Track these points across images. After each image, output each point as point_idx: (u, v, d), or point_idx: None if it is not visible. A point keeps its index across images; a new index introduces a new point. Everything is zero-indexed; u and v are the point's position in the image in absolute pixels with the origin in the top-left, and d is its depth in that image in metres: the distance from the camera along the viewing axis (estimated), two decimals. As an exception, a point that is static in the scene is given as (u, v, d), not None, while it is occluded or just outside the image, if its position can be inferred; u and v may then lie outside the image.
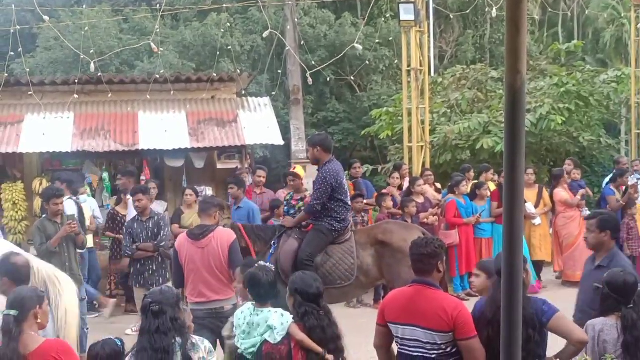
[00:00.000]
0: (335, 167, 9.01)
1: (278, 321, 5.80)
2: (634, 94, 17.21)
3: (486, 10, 17.92)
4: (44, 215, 10.52)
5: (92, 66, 9.46)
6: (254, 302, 6.05)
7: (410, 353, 5.31)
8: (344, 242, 9.05)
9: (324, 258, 8.90)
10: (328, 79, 20.11)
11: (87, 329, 9.92)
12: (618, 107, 19.40)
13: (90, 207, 13.04)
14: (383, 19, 23.63)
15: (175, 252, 7.72)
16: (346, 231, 9.12)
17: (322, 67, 11.43)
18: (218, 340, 7.04)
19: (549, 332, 5.33)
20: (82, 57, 12.56)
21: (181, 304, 5.18)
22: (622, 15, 26.27)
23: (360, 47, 11.76)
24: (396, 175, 14.23)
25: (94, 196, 14.19)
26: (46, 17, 10.26)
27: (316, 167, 9.36)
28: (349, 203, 9.37)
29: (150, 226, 10.50)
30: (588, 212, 14.12)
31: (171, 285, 7.58)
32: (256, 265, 6.34)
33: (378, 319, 5.60)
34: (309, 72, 9.25)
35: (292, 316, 5.83)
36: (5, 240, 9.16)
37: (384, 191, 13.69)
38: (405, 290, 5.54)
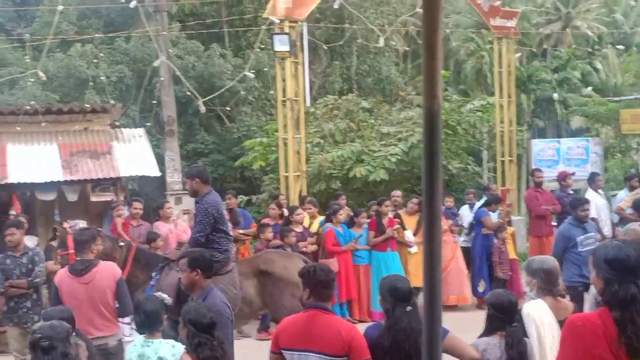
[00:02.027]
0: (215, 198, 8.94)
1: (169, 352, 5.72)
2: (498, 122, 17.92)
3: (358, 40, 18.35)
4: None
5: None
6: (145, 334, 5.94)
7: (306, 379, 5.31)
8: (227, 273, 8.94)
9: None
10: (201, 110, 20.00)
11: None
12: (482, 135, 20.16)
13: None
14: (253, 50, 23.78)
15: (55, 288, 7.45)
16: (228, 262, 9.03)
17: (207, 98, 11.34)
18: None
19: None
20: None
21: (72, 339, 5.02)
22: (482, 47, 27.46)
23: (252, 75, 11.76)
24: (273, 205, 14.26)
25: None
26: None
27: (194, 199, 9.30)
28: (230, 233, 9.33)
29: (25, 262, 10.09)
30: (461, 238, 14.66)
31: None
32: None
33: (272, 347, 5.55)
34: (200, 101, 9.17)
35: (184, 347, 5.75)
36: None
37: (263, 221, 13.68)
38: (300, 316, 5.55)
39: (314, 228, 13.61)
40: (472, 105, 18.73)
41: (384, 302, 5.51)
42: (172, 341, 5.86)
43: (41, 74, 9.50)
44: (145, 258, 9.15)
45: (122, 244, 8.91)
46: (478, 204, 15.03)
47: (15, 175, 13.62)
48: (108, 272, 7.48)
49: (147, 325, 5.95)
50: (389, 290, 5.39)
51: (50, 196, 13.94)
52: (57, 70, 24.67)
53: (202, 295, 6.32)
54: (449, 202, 14.95)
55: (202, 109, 9.60)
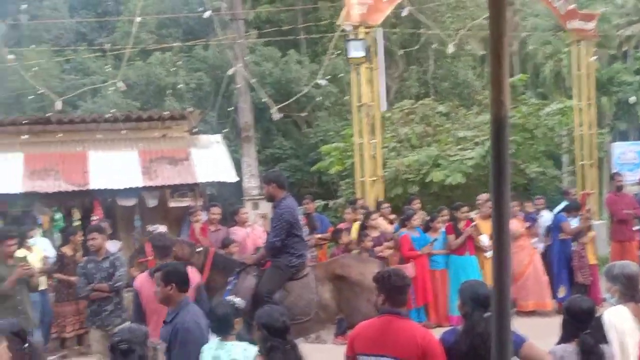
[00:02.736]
0: (291, 203, 9.03)
1: (242, 354, 5.81)
2: (577, 125, 17.61)
3: (433, 46, 18.29)
4: None
5: (58, 104, 9.36)
6: (219, 337, 6.04)
7: (381, 384, 5.30)
8: (302, 278, 9.01)
9: (282, 294, 8.86)
10: (279, 116, 20.18)
11: None
12: (561, 139, 19.83)
13: (42, 248, 12.83)
14: (329, 56, 23.88)
15: (136, 292, 7.61)
16: (304, 266, 9.10)
17: (283, 104, 11.47)
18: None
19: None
20: (30, 97, 12.44)
21: (149, 342, 5.12)
22: (562, 50, 26.99)
23: (324, 82, 11.85)
24: (348, 210, 14.29)
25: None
26: (11, 56, 10.13)
27: (271, 204, 9.38)
28: (306, 239, 9.40)
29: (106, 266, 10.31)
30: (539, 242, 14.40)
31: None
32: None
33: (347, 351, 5.56)
34: (274, 108, 9.29)
35: (256, 349, 5.82)
36: None
37: (339, 226, 13.72)
38: (375, 321, 5.55)
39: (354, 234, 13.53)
40: (550, 109, 18.45)
41: (462, 307, 5.45)
42: (244, 344, 5.96)
43: (121, 83, 9.73)
44: (223, 263, 9.24)
45: (199, 249, 9.01)
46: (557, 208, 14.79)
47: (97, 181, 13.95)
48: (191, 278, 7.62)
49: (219, 328, 6.06)
50: (470, 295, 5.33)
51: (131, 202, 14.22)
52: (138, 78, 25.23)
53: (176, 309, 6.25)
54: (528, 206, 14.67)
55: (276, 116, 9.67)
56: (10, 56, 9.96)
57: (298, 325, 8.83)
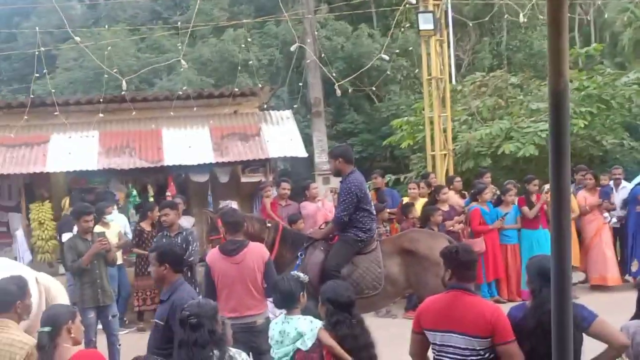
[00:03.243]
0: (359, 177, 9.00)
1: (307, 327, 5.87)
2: (656, 95, 17.12)
3: (505, 16, 17.90)
4: (73, 234, 10.56)
5: (124, 84, 9.48)
6: (285, 312, 6.14)
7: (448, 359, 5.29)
8: (371, 252, 8.99)
9: (350, 268, 8.85)
10: (348, 91, 20.17)
11: (119, 345, 9.97)
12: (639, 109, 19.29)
13: (119, 223, 13.14)
14: (400, 30, 23.69)
15: (207, 267, 7.68)
16: (372, 241, 9.06)
17: (348, 79, 11.41)
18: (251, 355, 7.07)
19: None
20: (104, 75, 12.66)
21: (219, 317, 5.19)
22: (640, 17, 26.16)
23: (386, 57, 11.73)
24: (421, 184, 14.22)
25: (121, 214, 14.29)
26: (77, 38, 10.32)
27: (338, 179, 9.37)
28: (374, 212, 9.35)
29: (179, 241, 10.48)
30: (609, 217, 14.07)
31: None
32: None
33: (414, 327, 5.55)
34: (337, 85, 9.21)
35: (321, 323, 5.87)
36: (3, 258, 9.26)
37: (409, 201, 13.68)
38: (442, 297, 5.52)
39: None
40: (628, 79, 17.95)
41: (530, 283, 5.39)
42: (310, 317, 6.01)
43: (183, 62, 9.79)
44: (292, 238, 9.27)
45: (269, 225, 9.06)
46: (635, 180, 14.43)
47: (170, 158, 14.18)
48: (258, 252, 7.66)
49: (285, 302, 6.15)
50: (536, 270, 5.24)
51: (203, 178, 14.41)
52: (211, 55, 25.51)
53: (171, 289, 6.29)
54: (604, 179, 14.34)
55: (338, 92, 9.62)
56: (77, 38, 10.10)
57: (366, 299, 8.84)
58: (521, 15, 10.86)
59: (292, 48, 9.81)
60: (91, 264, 9.77)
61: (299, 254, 8.88)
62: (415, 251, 8.87)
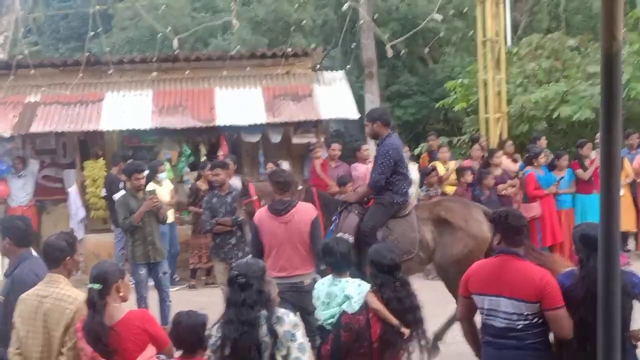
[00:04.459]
0: (396, 141, 8.85)
1: (355, 290, 5.86)
2: None
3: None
4: (124, 191, 10.70)
5: (175, 43, 9.54)
6: (333, 273, 6.12)
7: (496, 324, 5.25)
8: (406, 216, 8.83)
9: (385, 232, 8.71)
10: (401, 52, 19.98)
11: (170, 301, 10.14)
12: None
13: (169, 184, 13.28)
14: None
15: (255, 227, 7.70)
16: (407, 205, 8.93)
17: (400, 40, 11.31)
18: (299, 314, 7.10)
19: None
20: (159, 34, 12.70)
21: (266, 276, 5.20)
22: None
23: (439, 17, 11.59)
24: (477, 147, 14.08)
25: (173, 172, 14.46)
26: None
27: (375, 142, 9.26)
28: (410, 176, 9.23)
29: (229, 201, 10.54)
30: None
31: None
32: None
33: (461, 291, 5.55)
34: (388, 45, 9.12)
35: (369, 285, 5.87)
36: None
37: (463, 164, 13.56)
38: (490, 261, 5.49)
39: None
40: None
41: (577, 251, 5.33)
42: (358, 280, 6.01)
43: (235, 21, 9.79)
44: (325, 202, 9.18)
45: (300, 187, 8.92)
46: None
47: (223, 118, 14.23)
48: (305, 212, 7.67)
49: (339, 265, 6.12)
50: (581, 239, 5.17)
51: (255, 138, 14.44)
52: (266, 14, 25.40)
53: (16, 263, 6.16)
54: None
55: (390, 53, 9.51)
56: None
57: (402, 263, 8.78)
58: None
59: (344, 7, 9.70)
60: (142, 221, 9.93)
61: (333, 218, 8.82)
62: (450, 221, 8.73)
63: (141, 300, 9.78)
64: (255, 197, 8.66)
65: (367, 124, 8.97)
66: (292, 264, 7.52)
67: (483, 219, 8.53)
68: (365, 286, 5.89)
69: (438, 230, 8.67)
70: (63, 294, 5.33)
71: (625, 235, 13.69)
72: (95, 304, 5.00)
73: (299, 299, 7.23)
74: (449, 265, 8.37)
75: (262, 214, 7.71)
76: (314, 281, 7.12)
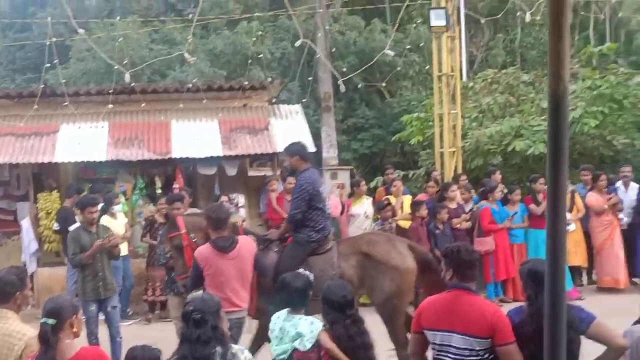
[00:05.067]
0: (312, 175, 8.86)
1: (307, 329, 5.84)
2: (670, 95, 16.97)
3: (517, 14, 17.85)
4: (79, 225, 10.54)
5: (127, 76, 9.48)
6: (289, 309, 6.09)
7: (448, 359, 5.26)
8: (325, 252, 8.79)
9: (305, 270, 8.74)
10: (358, 86, 20.11)
11: (121, 338, 9.90)
12: (653, 109, 19.11)
13: (125, 215, 13.17)
14: (413, 25, 23.63)
15: (196, 264, 7.64)
16: (326, 241, 8.87)
17: (355, 73, 11.41)
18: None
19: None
20: (115, 67, 12.65)
21: (221, 312, 5.16)
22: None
23: (391, 53, 11.67)
24: (431, 183, 14.16)
25: (127, 205, 14.34)
26: (81, 30, 10.32)
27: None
28: (328, 211, 9.17)
29: (185, 234, 10.42)
30: (624, 218, 14.00)
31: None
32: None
33: (413, 326, 5.53)
34: (341, 80, 9.15)
35: (322, 324, 5.84)
36: None
37: (417, 198, 13.64)
38: (443, 296, 5.49)
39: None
40: (641, 78, 17.83)
41: (525, 288, 5.35)
42: (312, 318, 5.98)
43: (187, 55, 9.77)
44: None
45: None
46: None
47: (179, 150, 14.22)
48: (248, 246, 7.79)
49: (293, 301, 6.09)
50: (529, 275, 5.19)
51: (211, 170, 14.44)
52: (225, 47, 25.47)
53: None
54: (602, 180, 14.15)
55: (342, 87, 9.55)
56: (81, 30, 10.11)
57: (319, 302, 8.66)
58: (528, 14, 10.84)
59: (297, 44, 9.74)
60: (94, 257, 9.73)
61: None
62: (373, 255, 8.66)
63: (92, 336, 9.60)
64: (183, 231, 8.58)
65: (287, 158, 9.00)
66: (240, 298, 7.56)
67: (407, 252, 8.56)
68: (318, 324, 5.86)
69: (361, 265, 8.58)
70: (12, 330, 5.24)
71: (577, 270, 13.84)
72: (49, 339, 4.87)
73: (238, 333, 7.30)
74: (382, 302, 8.34)
75: (206, 251, 7.64)
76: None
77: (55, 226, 13.54)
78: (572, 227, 13.41)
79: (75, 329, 5.04)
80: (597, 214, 13.50)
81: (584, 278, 14.33)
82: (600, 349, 5.17)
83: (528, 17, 11.54)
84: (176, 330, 8.36)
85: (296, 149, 8.99)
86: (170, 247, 9.07)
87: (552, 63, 2.73)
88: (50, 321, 4.88)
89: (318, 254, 8.72)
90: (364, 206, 13.59)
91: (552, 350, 2.99)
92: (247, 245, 7.76)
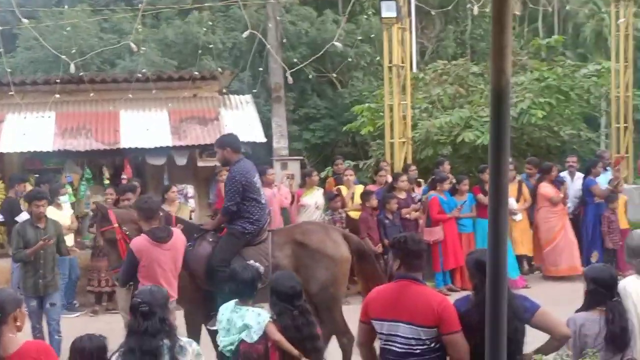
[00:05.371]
0: (245, 165, 8.78)
1: (254, 320, 5.82)
2: (614, 87, 17.22)
3: (467, 6, 17.99)
4: (27, 219, 10.28)
5: (72, 66, 9.32)
6: (237, 300, 6.07)
7: (395, 349, 5.25)
8: (260, 244, 8.77)
9: (239, 260, 8.47)
10: (310, 76, 20.10)
11: (60, 335, 9.57)
12: (598, 100, 19.44)
13: (69, 207, 13.01)
14: (364, 16, 23.67)
15: (133, 255, 7.58)
16: (262, 231, 8.84)
17: (303, 65, 11.37)
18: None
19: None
20: (63, 57, 12.46)
21: (169, 304, 5.13)
22: (602, 10, 26.42)
23: (340, 45, 11.64)
24: (382, 172, 14.20)
25: (75, 195, 14.17)
26: (25, 20, 10.10)
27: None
28: (263, 202, 9.07)
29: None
30: (570, 207, 14.23)
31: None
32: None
33: (361, 316, 5.55)
34: (288, 72, 9.09)
35: (269, 316, 5.83)
36: None
37: (367, 188, 13.67)
38: (389, 286, 5.52)
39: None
40: (587, 70, 18.13)
41: (472, 277, 5.41)
42: (258, 309, 5.96)
43: (133, 45, 9.63)
44: (184, 227, 8.98)
45: (161, 214, 8.61)
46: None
47: (128, 140, 14.10)
48: (181, 237, 7.87)
49: (241, 292, 6.08)
50: (475, 266, 5.24)
51: (160, 161, 14.33)
52: (175, 37, 25.28)
53: None
54: (554, 170, 14.38)
55: (290, 79, 9.51)
56: (25, 20, 9.91)
57: None
58: (475, 7, 10.90)
59: (245, 34, 9.63)
60: (38, 254, 9.53)
61: (188, 244, 8.52)
62: (307, 244, 8.67)
63: (35, 330, 9.45)
64: (115, 224, 8.52)
65: (217, 150, 8.90)
66: (173, 288, 7.56)
67: (341, 241, 8.61)
68: (265, 316, 5.84)
69: (296, 255, 8.58)
70: None
71: (522, 259, 14.02)
72: (-9, 334, 4.81)
73: None
74: (318, 291, 8.33)
75: (142, 242, 7.60)
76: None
77: (0, 218, 13.30)
78: (519, 217, 13.59)
79: (18, 323, 4.97)
80: (553, 204, 13.66)
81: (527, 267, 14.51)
82: (544, 337, 5.27)
83: (476, 10, 11.61)
84: (124, 323, 8.29)
85: (227, 141, 8.91)
86: (103, 241, 9.00)
87: (494, 57, 2.74)
88: (-7, 315, 4.81)
89: (252, 245, 8.70)
90: (314, 197, 13.57)
91: (494, 338, 3.02)
92: (180, 237, 7.82)
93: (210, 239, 8.74)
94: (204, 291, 8.28)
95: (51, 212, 10.77)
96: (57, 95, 13.92)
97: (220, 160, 9.12)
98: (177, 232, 7.83)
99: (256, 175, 8.95)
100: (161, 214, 8.74)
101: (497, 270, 2.94)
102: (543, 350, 5.26)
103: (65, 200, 12.77)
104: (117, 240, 8.50)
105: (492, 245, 2.93)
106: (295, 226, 9.71)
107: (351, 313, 8.39)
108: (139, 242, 7.59)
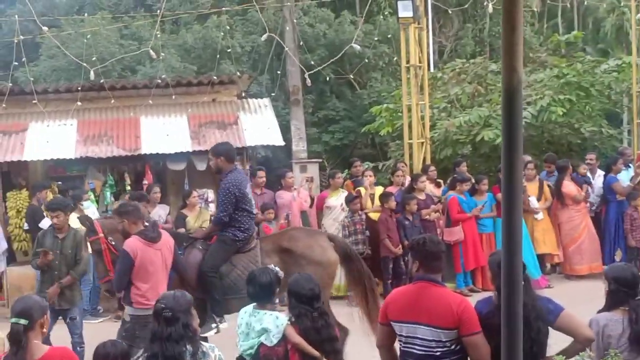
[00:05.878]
0: (238, 176, 8.91)
1: (273, 324, 5.84)
2: (635, 82, 16.99)
3: (484, 3, 17.89)
4: (50, 226, 10.23)
5: (92, 74, 9.44)
6: (255, 304, 6.11)
7: (415, 351, 5.27)
8: (249, 251, 8.92)
9: (228, 268, 8.76)
10: (328, 78, 20.09)
11: (82, 347, 9.36)
12: (619, 96, 19.24)
13: (94, 213, 13.08)
14: (381, 16, 23.63)
15: (128, 256, 7.63)
16: (251, 240, 9.00)
17: (322, 67, 11.42)
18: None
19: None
20: (84, 64, 12.57)
21: (192, 310, 5.15)
22: (622, 4, 26.15)
23: (358, 47, 11.71)
24: (399, 173, 14.18)
25: (97, 202, 14.27)
26: (45, 28, 10.25)
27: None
28: (254, 212, 9.19)
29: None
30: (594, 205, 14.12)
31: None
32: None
33: (380, 318, 5.58)
34: (307, 74, 9.17)
35: (287, 318, 5.86)
36: None
37: (386, 190, 13.66)
38: (409, 288, 5.53)
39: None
40: (607, 66, 17.96)
41: (494, 279, 5.39)
42: (277, 313, 5.98)
43: (152, 52, 9.73)
44: (172, 235, 8.94)
45: (146, 223, 8.58)
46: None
47: (148, 146, 14.19)
48: (170, 240, 7.98)
49: (259, 296, 6.10)
50: (498, 267, 5.24)
51: (180, 166, 14.41)
52: (195, 42, 25.37)
53: None
54: (583, 169, 14.34)
55: (308, 82, 9.57)
56: (45, 28, 10.02)
57: (243, 299, 8.64)
58: (490, 5, 10.87)
59: (263, 38, 9.72)
60: (52, 264, 9.41)
61: (178, 252, 8.64)
62: (293, 250, 8.76)
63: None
64: (101, 235, 8.58)
65: (211, 157, 9.02)
66: (163, 289, 7.53)
67: (328, 245, 8.73)
68: (283, 319, 5.87)
69: (283, 261, 8.59)
70: None
71: (544, 258, 13.94)
72: (21, 340, 4.83)
73: None
74: None
75: (135, 243, 7.68)
76: None
77: (26, 226, 13.44)
78: (540, 216, 13.52)
79: (44, 329, 5.04)
80: (576, 202, 13.57)
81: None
82: (566, 337, 5.26)
83: (490, 9, 11.59)
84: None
85: (222, 150, 9.02)
86: (92, 252, 9.02)
87: (505, 56, 2.76)
88: (23, 321, 4.86)
89: (242, 252, 8.85)
90: (340, 198, 13.52)
91: (510, 339, 3.04)
92: (168, 237, 7.96)
93: (200, 247, 8.86)
94: (195, 298, 8.35)
95: (74, 218, 10.82)
96: (79, 103, 14.05)
97: (213, 167, 9.19)
98: (164, 232, 8.01)
99: (248, 185, 9.12)
100: (147, 223, 8.89)
101: (512, 269, 2.96)
102: (567, 352, 5.24)
103: (87, 205, 12.88)
104: (103, 251, 8.53)
105: (506, 244, 2.95)
106: (282, 233, 9.80)
107: (355, 315, 8.52)
108: (133, 243, 7.70)
